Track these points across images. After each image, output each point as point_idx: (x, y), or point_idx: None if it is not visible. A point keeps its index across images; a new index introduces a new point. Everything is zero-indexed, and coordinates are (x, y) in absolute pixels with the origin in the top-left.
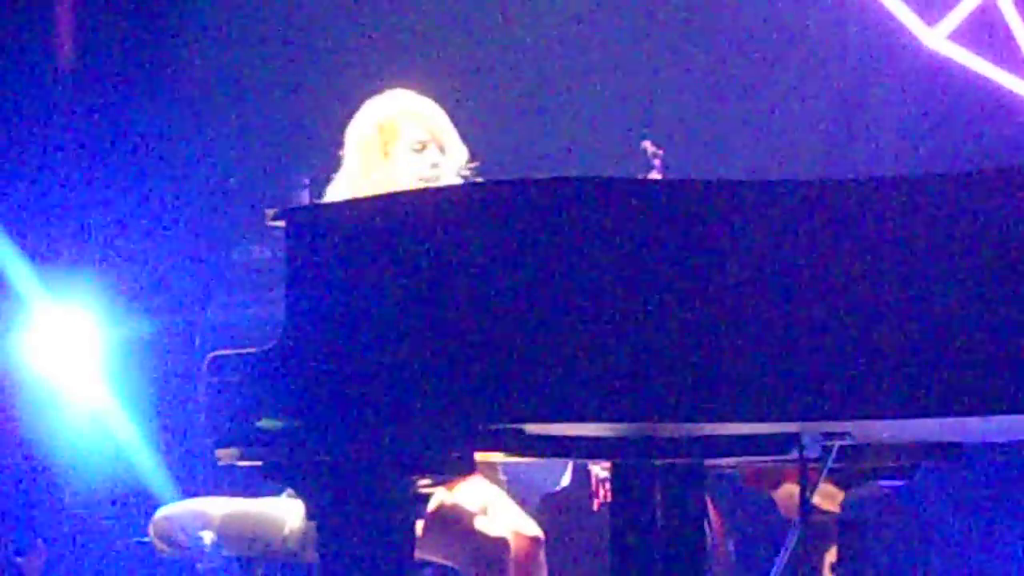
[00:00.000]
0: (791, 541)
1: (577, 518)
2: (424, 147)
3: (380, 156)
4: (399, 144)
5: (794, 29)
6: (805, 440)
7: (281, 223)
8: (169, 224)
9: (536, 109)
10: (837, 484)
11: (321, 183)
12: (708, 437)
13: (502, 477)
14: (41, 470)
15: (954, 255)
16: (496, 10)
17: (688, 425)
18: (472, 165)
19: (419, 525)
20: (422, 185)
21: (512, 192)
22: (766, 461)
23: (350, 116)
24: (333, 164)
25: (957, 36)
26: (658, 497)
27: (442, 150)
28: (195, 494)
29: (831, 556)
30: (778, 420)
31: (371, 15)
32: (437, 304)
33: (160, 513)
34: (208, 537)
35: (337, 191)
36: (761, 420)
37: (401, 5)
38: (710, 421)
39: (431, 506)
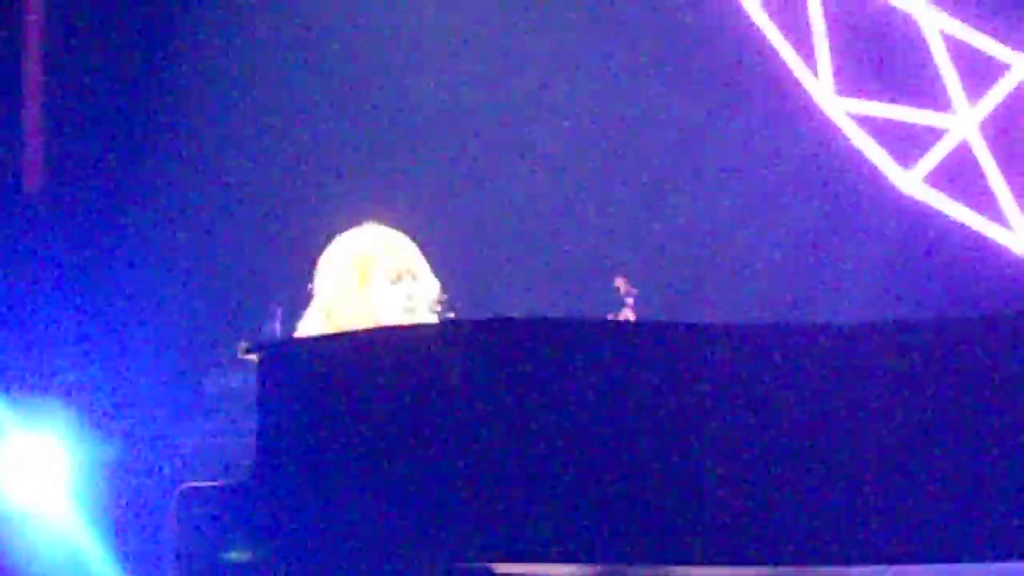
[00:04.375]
0: None
1: None
2: (399, 278)
3: (358, 288)
4: (376, 277)
5: (767, 169)
6: None
7: (254, 357)
8: (140, 351)
9: (509, 245)
10: None
11: (293, 314)
12: None
13: None
14: None
15: (935, 401)
16: (468, 143)
17: (660, 568)
18: (443, 298)
19: None
20: (400, 316)
21: (484, 331)
22: None
23: (321, 248)
24: (304, 295)
25: (932, 179)
26: None
27: (415, 280)
28: None
29: None
30: (753, 564)
31: (341, 149)
32: (409, 441)
33: None
34: None
35: (312, 324)
36: (734, 563)
37: (369, 136)
38: (682, 564)
39: None
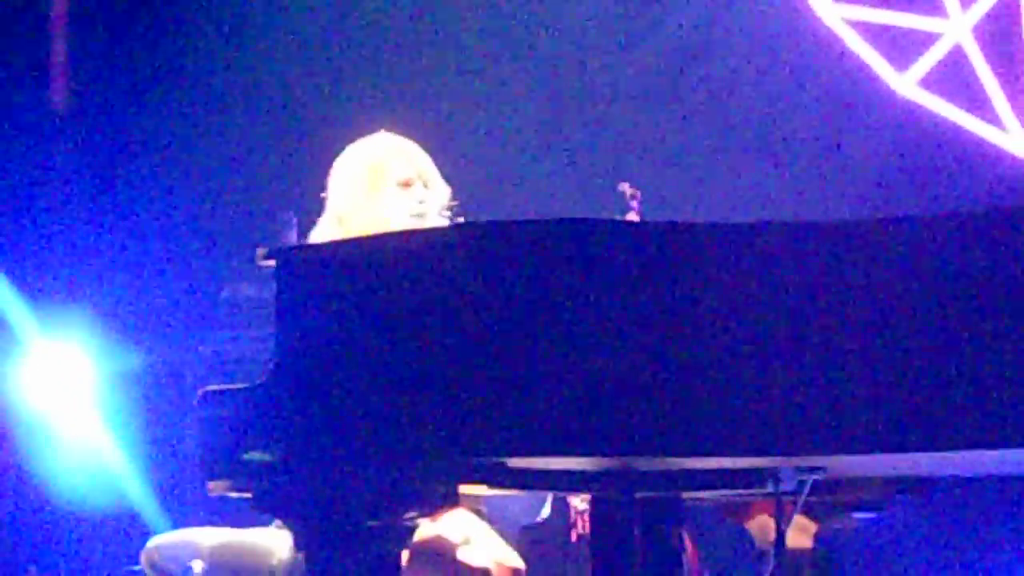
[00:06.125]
0: (766, 572)
1: (556, 549)
2: (410, 184)
3: (369, 194)
4: (387, 182)
5: (770, 76)
6: (781, 474)
7: (271, 263)
8: (160, 261)
9: (517, 150)
10: (811, 516)
11: (308, 222)
12: (686, 471)
13: (483, 508)
14: (36, 499)
15: (927, 295)
16: (476, 57)
17: (666, 459)
18: (453, 204)
19: (404, 555)
20: (410, 221)
21: (494, 233)
22: (742, 494)
23: (335, 158)
24: (319, 204)
25: (927, 82)
26: (636, 529)
27: (427, 187)
28: (186, 524)
29: None
30: (755, 455)
31: (355, 61)
32: (423, 342)
33: (152, 543)
34: (198, 567)
35: (324, 231)
36: (738, 455)
37: (383, 52)
38: (688, 455)
39: (416, 537)
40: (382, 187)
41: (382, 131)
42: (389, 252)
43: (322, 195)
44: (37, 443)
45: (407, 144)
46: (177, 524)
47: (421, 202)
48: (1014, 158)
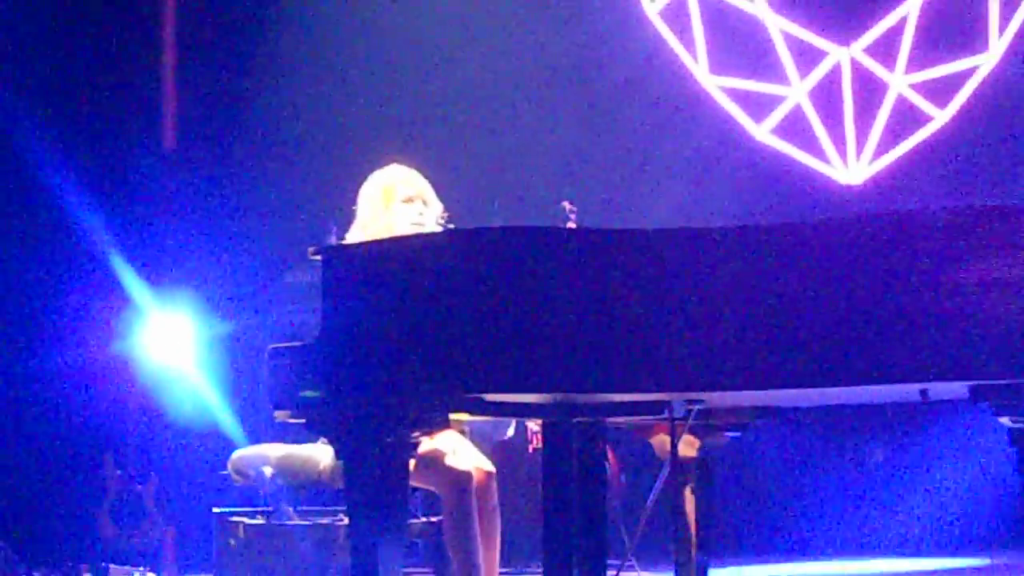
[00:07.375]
0: (664, 474)
1: (519, 459)
2: (412, 200)
3: (383, 208)
4: (395, 199)
5: (665, 126)
6: (674, 405)
7: (319, 258)
8: (242, 255)
9: (488, 178)
10: (695, 435)
11: (343, 228)
12: (608, 402)
13: (466, 429)
14: (156, 426)
15: (778, 281)
16: (454, 111)
17: (595, 395)
18: (445, 215)
19: (411, 463)
20: (412, 228)
21: (475, 236)
22: (646, 419)
23: (362, 182)
24: (352, 215)
25: (777, 130)
26: (574, 443)
27: (425, 203)
28: (259, 441)
29: (691, 485)
30: (655, 391)
31: (376, 118)
32: (427, 314)
33: (235, 454)
34: (268, 471)
35: (354, 234)
36: (643, 391)
37: (396, 109)
38: (609, 392)
39: (420, 450)
40: (391, 203)
41: (394, 163)
42: (401, 250)
43: (354, 208)
44: (156, 386)
45: (411, 172)
46: (253, 440)
47: (420, 214)
48: (836, 183)
